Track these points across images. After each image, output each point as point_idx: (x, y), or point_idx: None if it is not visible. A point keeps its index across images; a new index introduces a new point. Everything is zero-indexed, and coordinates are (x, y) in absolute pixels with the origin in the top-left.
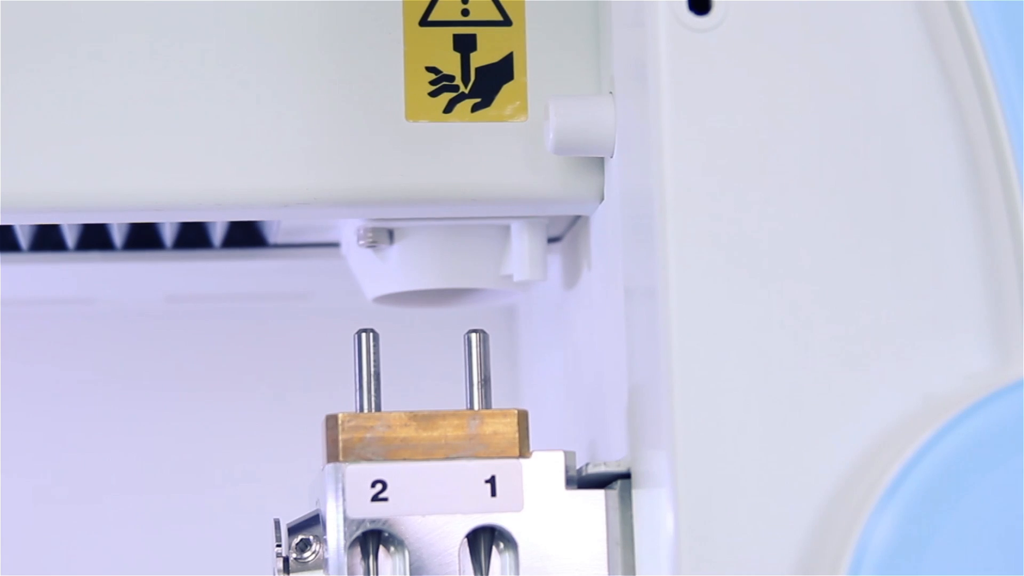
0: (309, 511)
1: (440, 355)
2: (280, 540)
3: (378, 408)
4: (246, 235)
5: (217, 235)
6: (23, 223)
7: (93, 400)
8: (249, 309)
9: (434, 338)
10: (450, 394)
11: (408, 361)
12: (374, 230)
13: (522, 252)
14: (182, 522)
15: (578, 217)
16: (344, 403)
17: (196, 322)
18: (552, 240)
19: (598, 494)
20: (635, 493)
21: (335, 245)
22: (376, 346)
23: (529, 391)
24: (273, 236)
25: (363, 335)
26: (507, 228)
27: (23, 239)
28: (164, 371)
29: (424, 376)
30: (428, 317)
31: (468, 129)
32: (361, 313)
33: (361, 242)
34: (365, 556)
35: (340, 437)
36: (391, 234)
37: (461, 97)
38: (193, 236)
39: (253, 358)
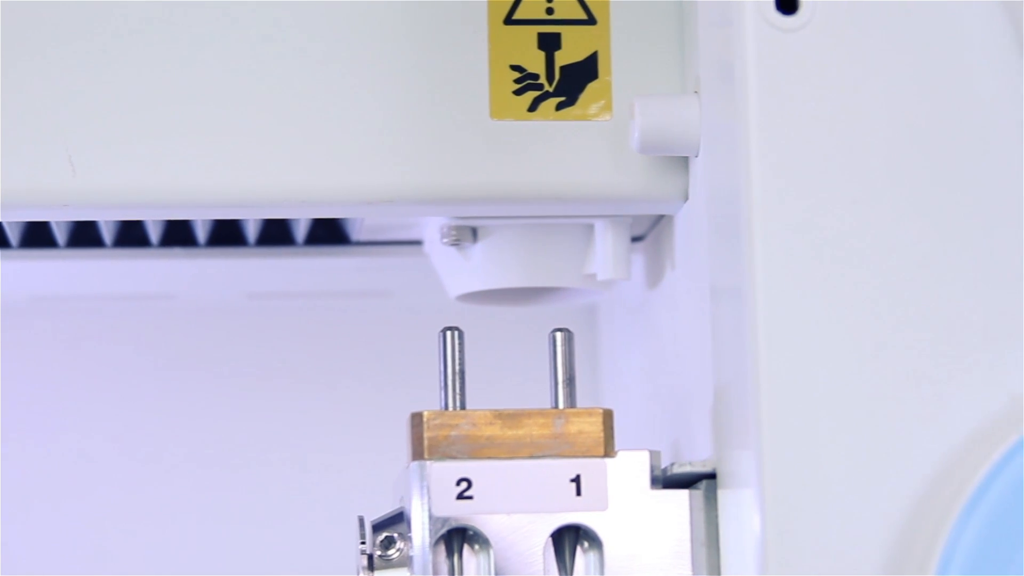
0: (393, 508)
1: (519, 353)
2: (364, 537)
3: (463, 406)
4: (329, 232)
5: (300, 232)
6: (107, 219)
7: (172, 395)
8: (330, 306)
9: (514, 336)
10: (528, 392)
11: (487, 359)
12: (458, 228)
13: (606, 251)
14: (263, 519)
15: (661, 216)
16: (424, 401)
17: (277, 319)
18: (635, 239)
19: (682, 494)
20: (721, 493)
21: (417, 243)
22: (461, 344)
23: (610, 390)
24: (356, 233)
25: (448, 333)
26: (590, 227)
27: (107, 235)
28: (244, 368)
29: (503, 374)
30: (508, 315)
31: (552, 128)
32: (442, 311)
33: (445, 240)
34: (450, 554)
35: (425, 435)
36: (474, 232)
37: (545, 96)
38: (276, 233)
39: (333, 356)
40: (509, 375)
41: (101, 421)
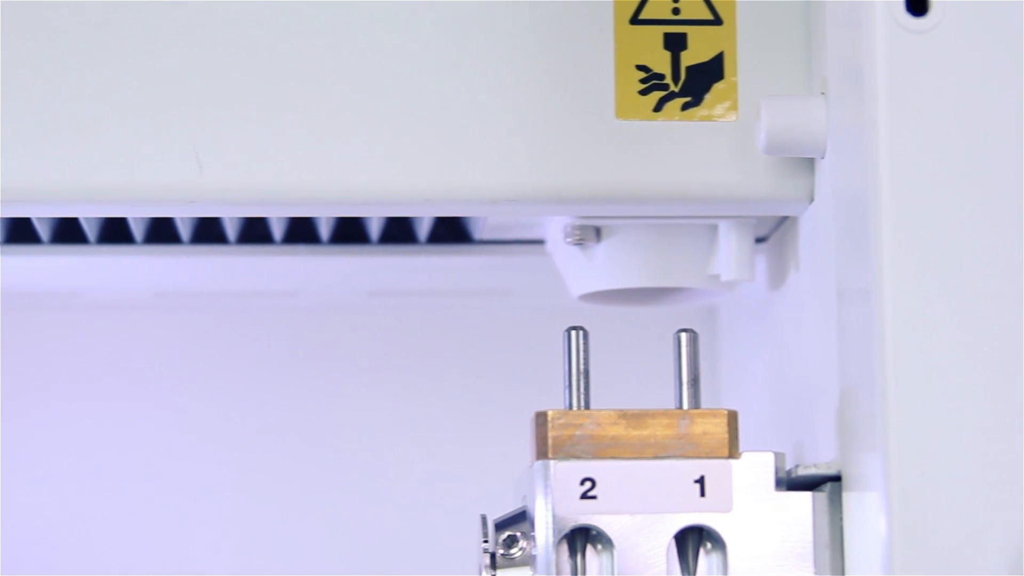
0: (515, 507)
1: (638, 353)
2: (487, 536)
3: (587, 406)
4: (451, 231)
5: (423, 231)
6: (232, 216)
7: (292, 393)
8: (450, 305)
9: (633, 337)
10: (645, 392)
11: (606, 359)
12: (581, 228)
13: (730, 252)
14: (384, 517)
15: (785, 217)
16: (542, 400)
17: (397, 317)
18: (758, 240)
19: (806, 496)
20: (846, 496)
21: (539, 242)
22: (586, 344)
23: (730, 391)
24: (478, 232)
25: (573, 333)
26: (714, 227)
27: (231, 232)
28: (364, 367)
29: (622, 374)
30: (627, 315)
31: (678, 128)
32: (560, 310)
33: (568, 240)
34: (572, 554)
35: (550, 434)
36: (598, 232)
37: (671, 96)
38: (398, 231)
39: (453, 354)
40: (627, 375)
41: (220, 417)
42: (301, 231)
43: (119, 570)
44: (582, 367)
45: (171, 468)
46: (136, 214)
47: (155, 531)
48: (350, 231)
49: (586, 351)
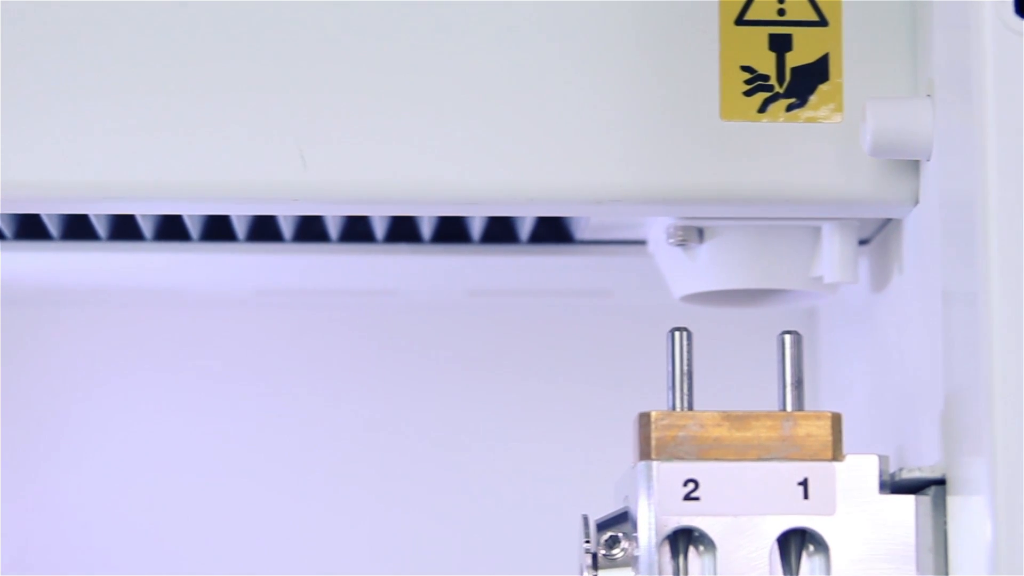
0: (617, 508)
1: (737, 355)
2: (589, 536)
3: (690, 407)
4: (553, 231)
5: (524, 230)
6: (336, 214)
7: (389, 391)
8: (550, 305)
9: (733, 338)
10: (741, 394)
11: (707, 360)
12: (684, 228)
13: (833, 254)
14: (484, 516)
15: (888, 219)
16: (641, 400)
17: (496, 317)
18: (860, 242)
19: (909, 499)
20: (950, 500)
21: (640, 243)
22: (690, 345)
23: (829, 394)
24: (580, 232)
25: (677, 334)
26: (817, 229)
27: (333, 230)
28: (464, 365)
29: (722, 375)
30: (727, 317)
31: (782, 129)
32: (660, 311)
33: (671, 240)
34: (675, 555)
35: (653, 435)
36: (701, 233)
37: (776, 97)
38: (499, 231)
39: (552, 354)
40: (727, 376)
41: (319, 415)
42: (403, 230)
43: (218, 563)
44: (685, 368)
45: (270, 464)
46: (240, 212)
47: (264, 524)
48: (452, 230)
49: (690, 352)
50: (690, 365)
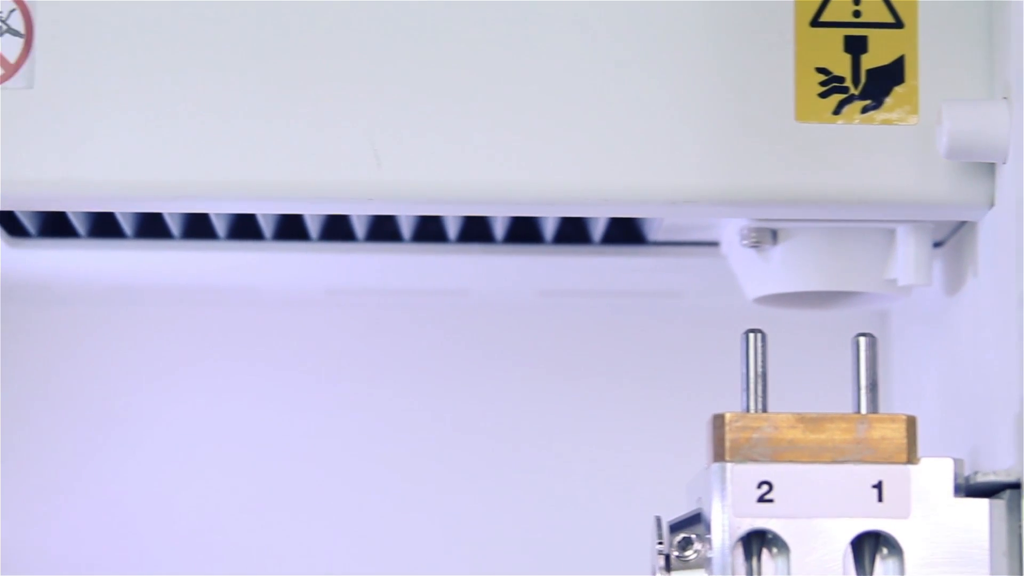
0: (690, 509)
1: (808, 357)
2: (662, 537)
3: (764, 409)
4: (625, 232)
5: (597, 231)
6: (409, 214)
7: (459, 390)
8: (621, 305)
9: (804, 340)
10: (815, 396)
11: (779, 362)
12: (758, 230)
13: (907, 256)
14: (554, 517)
15: (963, 222)
16: (712, 401)
17: (567, 317)
18: (934, 245)
19: (983, 503)
20: None
21: (713, 244)
22: (764, 347)
23: (901, 396)
24: (653, 233)
25: (751, 335)
26: (891, 231)
27: (406, 229)
28: (534, 366)
29: (793, 377)
30: (799, 319)
31: (857, 131)
32: (731, 313)
33: (744, 242)
34: (748, 557)
35: (727, 437)
36: (774, 234)
37: (851, 99)
38: (572, 232)
39: (623, 355)
40: (797, 378)
41: (389, 415)
42: (475, 230)
43: (282, 560)
44: (759, 370)
45: (339, 463)
46: (314, 211)
47: (331, 521)
48: (524, 230)
49: (764, 354)
50: (764, 367)
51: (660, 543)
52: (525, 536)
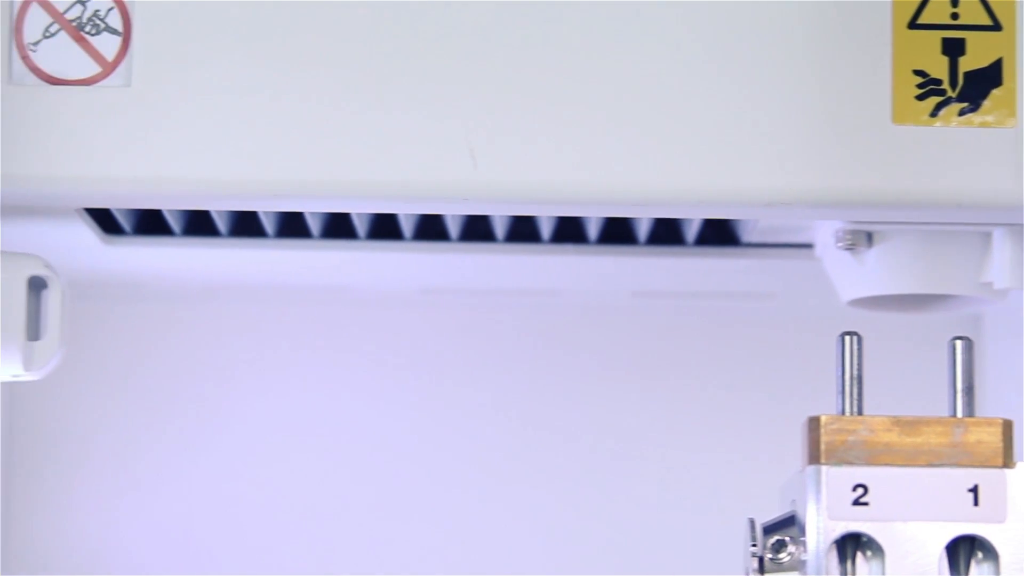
0: (783, 512)
1: (903, 360)
2: (755, 540)
3: (860, 412)
4: (719, 233)
5: (691, 232)
6: (504, 214)
7: (551, 390)
8: (713, 307)
9: (898, 343)
10: (906, 400)
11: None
12: (853, 232)
13: (1004, 259)
14: (644, 518)
15: None
16: (804, 403)
17: (659, 318)
18: None
19: None
20: None
21: (807, 246)
22: (860, 349)
23: (996, 400)
24: (747, 235)
25: (847, 338)
26: (987, 234)
27: (500, 229)
28: (626, 366)
29: (886, 380)
30: (892, 321)
31: (954, 134)
32: (823, 315)
33: (839, 244)
34: (842, 560)
35: (823, 439)
36: (870, 237)
37: (948, 101)
38: (665, 233)
39: (716, 356)
40: (892, 381)
41: (481, 415)
42: (569, 230)
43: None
44: (855, 372)
45: (427, 463)
46: (408, 211)
47: (425, 521)
48: (617, 231)
49: (859, 357)
50: (860, 369)
51: (754, 545)
52: (617, 538)
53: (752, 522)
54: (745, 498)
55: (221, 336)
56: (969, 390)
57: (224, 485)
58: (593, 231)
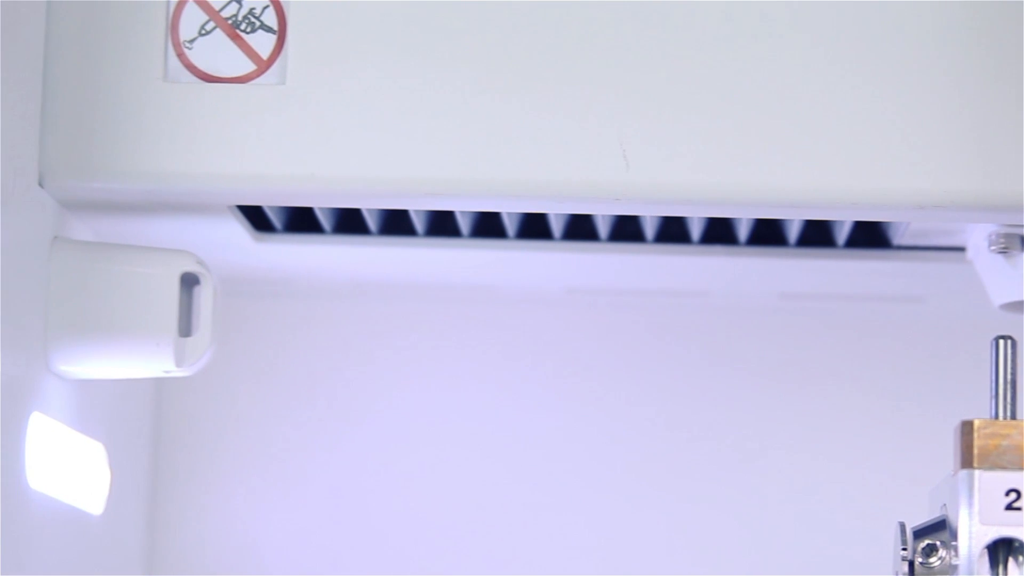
0: (933, 516)
1: None
2: (906, 544)
3: (1013, 416)
4: (869, 235)
5: (841, 234)
6: (656, 215)
7: (697, 391)
8: (863, 310)
9: None
10: None
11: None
12: (1007, 236)
13: None
14: (789, 522)
15: None
16: (953, 407)
17: (806, 320)
18: None
19: None
20: None
21: (958, 249)
22: (1014, 353)
23: None
24: (898, 238)
25: (1001, 342)
26: None
27: (649, 230)
28: (771, 368)
29: None
30: None
31: None
32: (972, 319)
33: (992, 247)
34: (993, 565)
35: (975, 444)
36: (1023, 240)
37: None
38: (815, 235)
39: (864, 359)
40: None
41: (623, 413)
42: (718, 231)
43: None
44: (1009, 377)
45: (571, 464)
46: (560, 210)
47: (560, 522)
48: (767, 232)
49: (1014, 361)
50: (1014, 374)
51: (904, 549)
52: (761, 541)
53: (902, 526)
54: (896, 502)
55: (368, 334)
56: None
57: (367, 484)
58: (743, 232)
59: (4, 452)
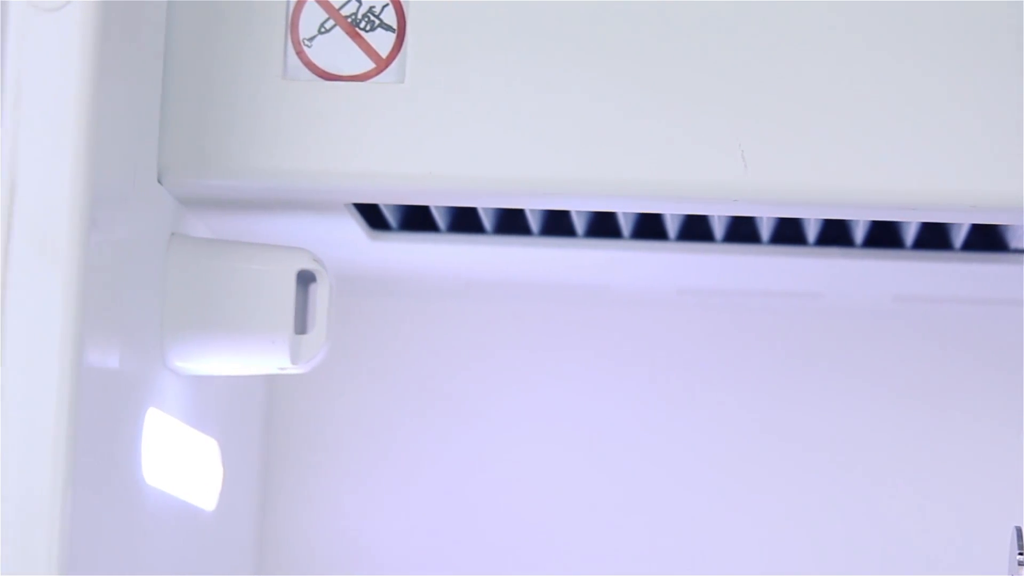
0: None
1: None
2: (1022, 547)
3: None
4: (987, 238)
5: (958, 237)
6: (773, 215)
7: (806, 393)
8: (978, 313)
9: None
10: None
11: None
12: None
13: None
14: (894, 522)
15: None
16: None
17: (921, 323)
18: None
19: None
20: None
21: None
22: None
23: None
24: (1016, 241)
25: None
26: None
27: (765, 231)
28: (883, 371)
29: None
30: None
31: None
32: None
33: None
34: None
35: None
36: None
37: None
38: (931, 237)
39: (976, 361)
40: None
41: (730, 415)
42: (833, 232)
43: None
44: None
45: (678, 465)
46: (678, 211)
47: (666, 519)
48: (883, 234)
49: None
50: None
51: (1021, 553)
52: (870, 543)
53: (1019, 530)
54: (1011, 505)
55: (480, 332)
56: None
57: (478, 482)
58: (859, 234)
59: (121, 447)
